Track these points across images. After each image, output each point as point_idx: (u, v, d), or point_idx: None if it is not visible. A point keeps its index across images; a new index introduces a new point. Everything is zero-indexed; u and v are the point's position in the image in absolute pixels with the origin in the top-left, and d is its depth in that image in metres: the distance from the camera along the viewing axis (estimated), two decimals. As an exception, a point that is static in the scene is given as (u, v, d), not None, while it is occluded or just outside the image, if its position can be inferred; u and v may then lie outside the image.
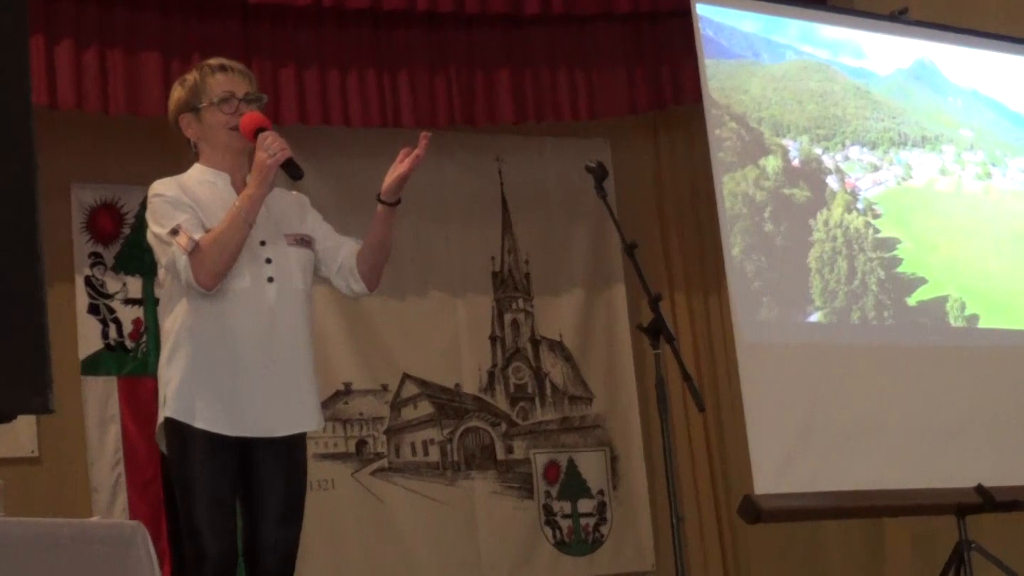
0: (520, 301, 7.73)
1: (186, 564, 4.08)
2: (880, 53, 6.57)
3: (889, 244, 6.35)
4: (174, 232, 4.06)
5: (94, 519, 6.04)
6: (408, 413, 7.39)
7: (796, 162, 6.23)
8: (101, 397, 6.78)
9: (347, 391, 7.18)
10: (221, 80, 4.25)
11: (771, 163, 6.17)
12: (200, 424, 4.07)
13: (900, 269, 6.34)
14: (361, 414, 7.19)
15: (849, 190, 6.30)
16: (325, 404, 7.09)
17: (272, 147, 4.09)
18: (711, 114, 6.05)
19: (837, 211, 6.23)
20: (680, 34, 6.58)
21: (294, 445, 4.23)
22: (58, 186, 6.64)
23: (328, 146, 7.13)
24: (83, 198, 6.90)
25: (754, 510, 5.69)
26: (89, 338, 6.82)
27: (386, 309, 7.20)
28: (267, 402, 4.14)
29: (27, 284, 2.95)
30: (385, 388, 7.29)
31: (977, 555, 5.92)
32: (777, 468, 5.78)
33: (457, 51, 7.28)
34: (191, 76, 4.29)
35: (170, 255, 4.05)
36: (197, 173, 4.27)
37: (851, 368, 6.11)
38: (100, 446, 6.73)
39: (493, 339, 7.66)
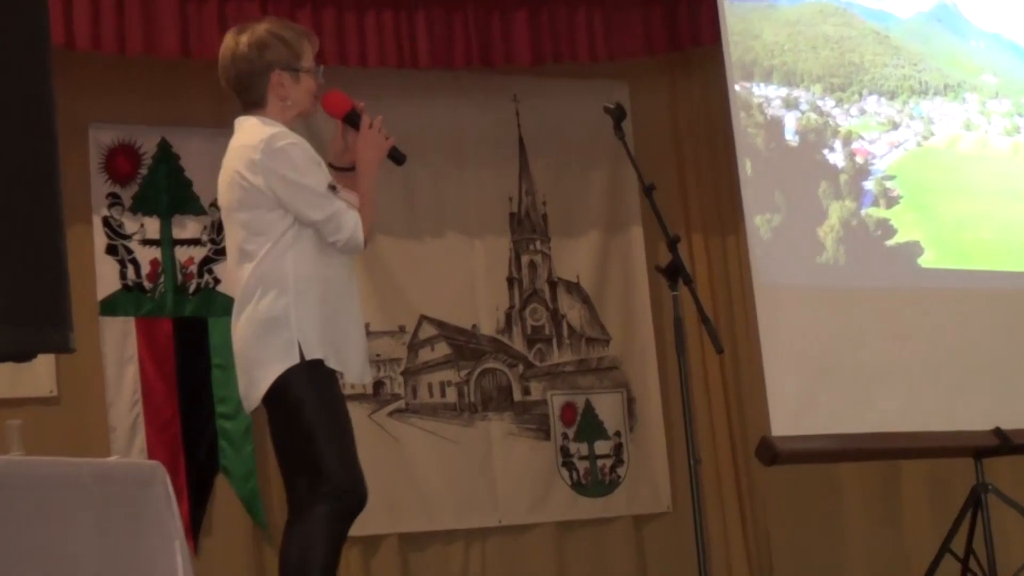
0: (537, 242, 7.72)
1: (339, 501, 4.25)
2: (901, -6, 6.51)
3: (907, 254, 6.21)
4: (332, 188, 4.28)
5: (113, 459, 6.07)
6: (425, 354, 7.40)
7: (794, 139, 6.10)
8: (119, 338, 6.81)
9: (365, 332, 7.21)
10: (308, 49, 4.44)
11: (771, 134, 6.06)
12: (336, 366, 4.31)
13: (926, 284, 6.29)
14: (378, 355, 7.19)
15: (861, 161, 6.19)
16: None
17: (384, 131, 4.44)
18: (729, 63, 6.02)
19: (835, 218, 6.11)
20: (698, -26, 6.53)
21: None
22: (76, 127, 6.63)
23: (344, 87, 7.11)
24: (100, 139, 6.90)
25: (771, 452, 5.73)
26: (107, 279, 6.83)
27: (403, 251, 7.21)
28: (364, 353, 4.48)
29: (47, 225, 2.95)
30: (402, 329, 7.31)
31: (993, 497, 5.94)
32: (794, 410, 5.82)
33: (476, -10, 7.26)
34: (287, 34, 4.42)
35: (331, 211, 4.24)
36: (288, 130, 4.39)
37: (868, 310, 6.12)
38: (118, 386, 6.77)
39: (510, 281, 7.65)
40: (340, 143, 4.56)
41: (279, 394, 4.24)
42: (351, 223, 4.27)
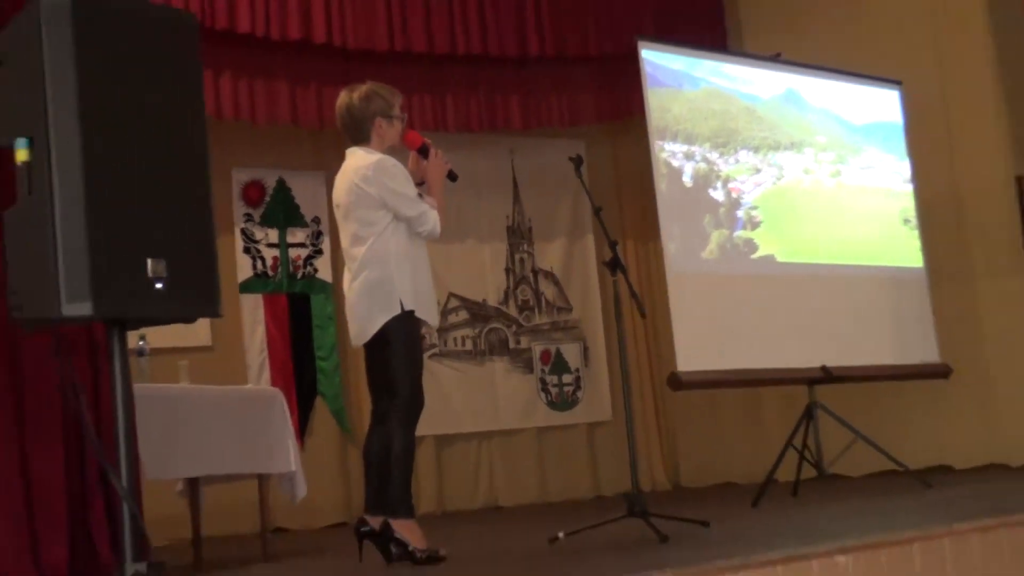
0: (525, 245, 7.72)
1: (408, 411, 4.11)
2: (763, 83, 6.44)
3: (766, 264, 6.10)
4: (420, 196, 4.16)
5: (248, 386, 6.13)
6: (452, 318, 7.41)
7: (690, 182, 6.02)
8: (252, 308, 6.84)
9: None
10: (397, 102, 4.26)
11: (675, 177, 6.02)
12: (422, 316, 4.15)
13: (779, 272, 6.21)
14: (422, 319, 7.20)
15: (735, 196, 6.15)
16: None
17: (444, 158, 4.27)
18: (651, 128, 5.98)
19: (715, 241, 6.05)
20: (631, 69, 6.48)
21: None
22: (223, 170, 6.65)
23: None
24: (239, 177, 6.93)
25: (677, 381, 5.65)
26: (243, 269, 6.86)
27: (438, 250, 7.09)
28: (436, 305, 4.32)
29: (203, 233, 3.00)
30: (437, 302, 7.31)
31: (822, 413, 5.94)
32: (693, 354, 5.75)
33: (485, 80, 7.26)
34: (383, 92, 4.24)
35: (421, 210, 4.12)
36: (388, 156, 4.23)
37: (741, 289, 6.01)
38: (251, 340, 6.81)
39: (507, 270, 7.66)
40: (414, 167, 4.35)
41: (383, 335, 4.09)
42: (432, 219, 4.14)
